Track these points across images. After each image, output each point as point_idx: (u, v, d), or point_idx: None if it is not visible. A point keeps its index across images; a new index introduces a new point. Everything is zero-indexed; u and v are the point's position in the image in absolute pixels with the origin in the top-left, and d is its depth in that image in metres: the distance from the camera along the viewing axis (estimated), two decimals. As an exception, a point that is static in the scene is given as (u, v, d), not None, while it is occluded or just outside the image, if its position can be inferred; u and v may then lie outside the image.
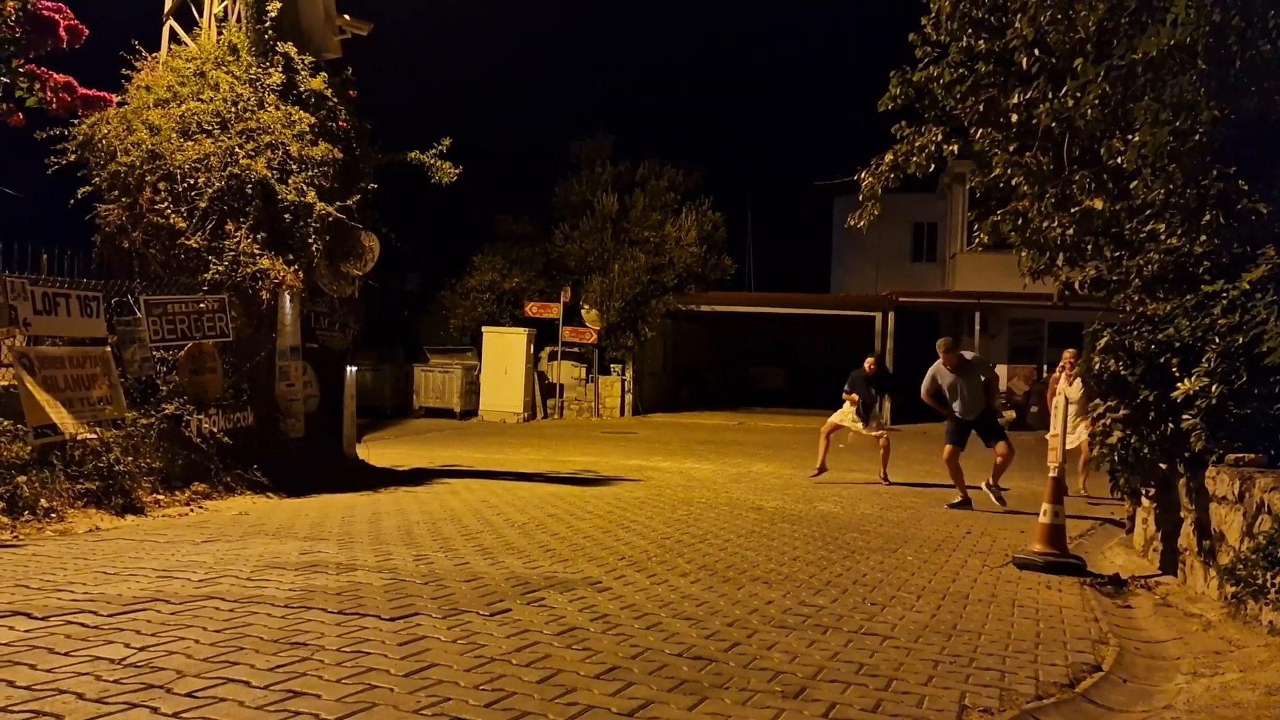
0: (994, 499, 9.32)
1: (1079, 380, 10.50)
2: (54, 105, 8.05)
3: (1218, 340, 5.40)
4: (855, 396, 11.56)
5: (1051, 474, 6.58)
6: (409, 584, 4.90)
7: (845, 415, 11.69)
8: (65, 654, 3.45)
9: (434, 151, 11.24)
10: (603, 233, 26.18)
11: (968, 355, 9.74)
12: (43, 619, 3.91)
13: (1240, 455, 5.13)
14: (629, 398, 25.17)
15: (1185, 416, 5.45)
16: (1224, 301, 5.50)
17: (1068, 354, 10.82)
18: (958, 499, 9.45)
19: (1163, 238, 6.30)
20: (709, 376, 31.02)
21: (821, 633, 4.33)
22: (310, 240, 9.56)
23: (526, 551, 6.05)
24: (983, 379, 9.76)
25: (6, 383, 7.36)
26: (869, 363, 11.87)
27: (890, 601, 5.06)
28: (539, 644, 3.89)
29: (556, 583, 5.10)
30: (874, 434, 11.64)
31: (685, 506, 8.77)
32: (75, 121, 9.14)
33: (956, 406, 9.54)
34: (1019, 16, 7.00)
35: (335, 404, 11.01)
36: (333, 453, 10.74)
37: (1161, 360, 5.74)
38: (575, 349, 24.93)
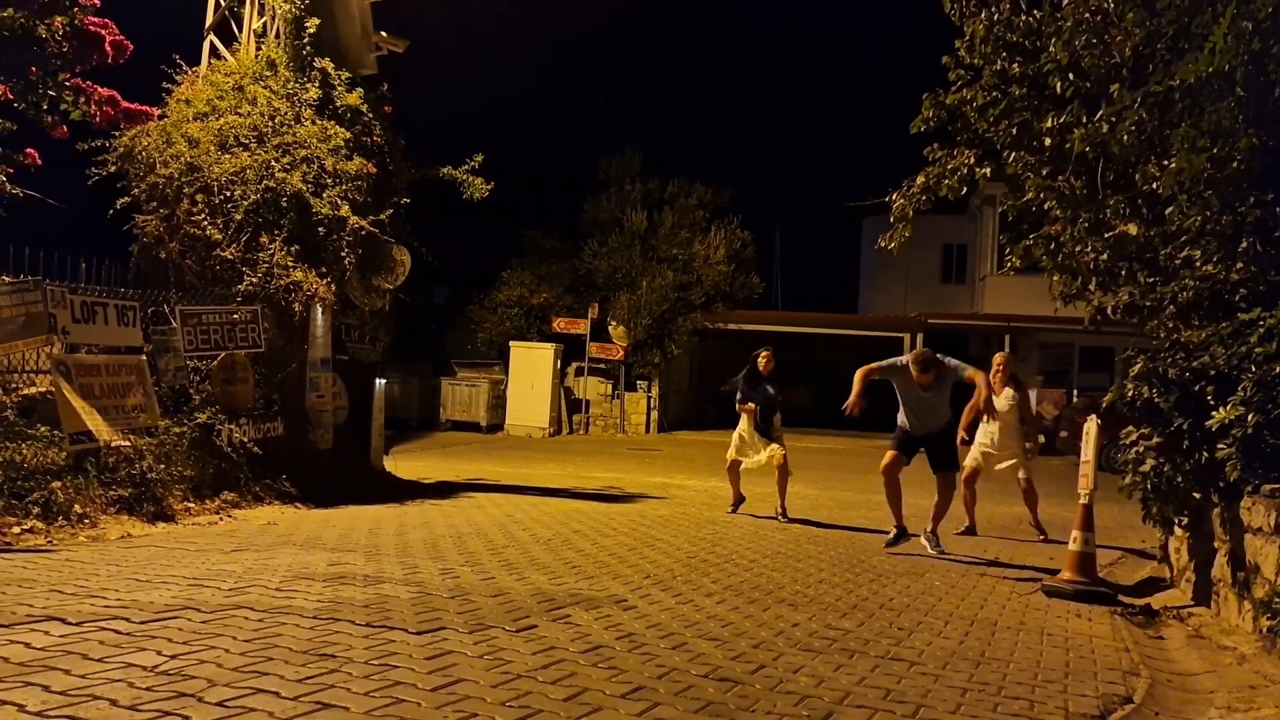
0: (929, 547, 7.69)
1: (1009, 390, 9.01)
2: (97, 118, 8.21)
3: (1254, 369, 5.33)
4: (752, 406, 9.65)
5: (1082, 500, 6.52)
6: (435, 598, 4.93)
7: (742, 435, 9.78)
8: (99, 660, 3.49)
9: (466, 167, 11.35)
10: (631, 250, 26.27)
11: (950, 363, 7.83)
12: (77, 624, 3.96)
13: (1277, 486, 5.06)
14: (654, 414, 25.18)
15: (1220, 445, 5.38)
16: (1261, 330, 5.44)
17: (998, 359, 9.33)
18: (892, 533, 7.84)
19: (1198, 264, 6.24)
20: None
21: (848, 657, 4.30)
22: (343, 253, 9.66)
23: (552, 568, 6.05)
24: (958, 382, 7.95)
25: (44, 389, 7.48)
26: (764, 357, 9.78)
27: (917, 627, 5.02)
28: (565, 661, 3.89)
29: (582, 600, 5.11)
30: (767, 456, 9.58)
31: (710, 525, 8.75)
32: (116, 134, 9.32)
33: (906, 418, 7.91)
34: (1054, 41, 6.97)
35: (364, 416, 11.10)
36: (360, 464, 10.82)
37: (1196, 388, 5.67)
38: (602, 365, 24.99)
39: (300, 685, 3.35)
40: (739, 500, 9.93)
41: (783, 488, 9.59)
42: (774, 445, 9.64)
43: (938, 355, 7.80)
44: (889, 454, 7.91)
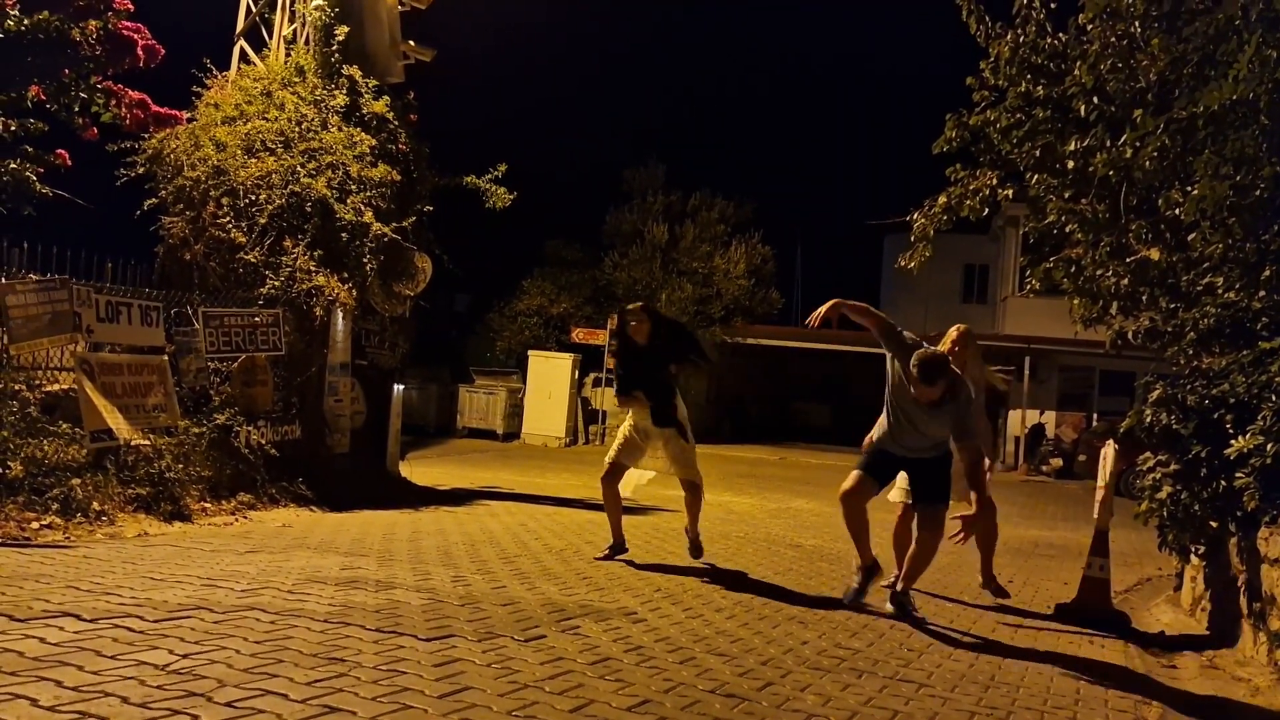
0: (893, 607, 5.69)
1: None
2: (127, 121, 8.35)
3: (1274, 398, 5.29)
4: (641, 395, 6.66)
5: (1097, 526, 6.48)
6: (446, 605, 4.94)
7: (635, 429, 6.79)
8: (112, 657, 3.53)
9: (489, 176, 11.43)
10: (651, 262, 26.35)
11: (993, 378, 6.11)
12: (92, 621, 4.00)
13: (1295, 517, 5.02)
14: (671, 427, 25.15)
15: (1238, 474, 5.34)
16: (1282, 359, 5.40)
17: (954, 331, 6.74)
18: (854, 579, 6.01)
19: (1220, 291, 6.21)
20: (751, 410, 30.91)
21: (856, 676, 4.29)
22: (365, 259, 9.75)
23: (563, 578, 6.06)
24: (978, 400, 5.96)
25: (67, 387, 7.58)
26: (634, 320, 6.66)
27: (927, 648, 5.00)
28: (572, 672, 3.90)
29: (592, 611, 5.11)
30: (671, 468, 6.90)
31: (723, 540, 8.73)
32: (146, 136, 9.45)
33: (887, 427, 5.79)
34: (1079, 64, 6.97)
35: (381, 421, 11.16)
36: (376, 469, 10.88)
37: (1215, 416, 5.63)
38: (619, 376, 25.02)
39: (309, 688, 3.37)
40: (619, 544, 6.95)
41: (694, 510, 6.96)
42: (680, 470, 6.87)
43: (954, 368, 5.61)
44: (853, 475, 5.83)
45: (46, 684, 3.17)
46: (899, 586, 5.81)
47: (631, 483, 7.06)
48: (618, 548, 6.95)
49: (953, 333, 6.73)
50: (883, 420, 5.86)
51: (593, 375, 24.88)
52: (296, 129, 9.75)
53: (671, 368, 6.85)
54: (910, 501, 6.24)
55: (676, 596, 5.77)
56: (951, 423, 5.57)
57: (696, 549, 7.09)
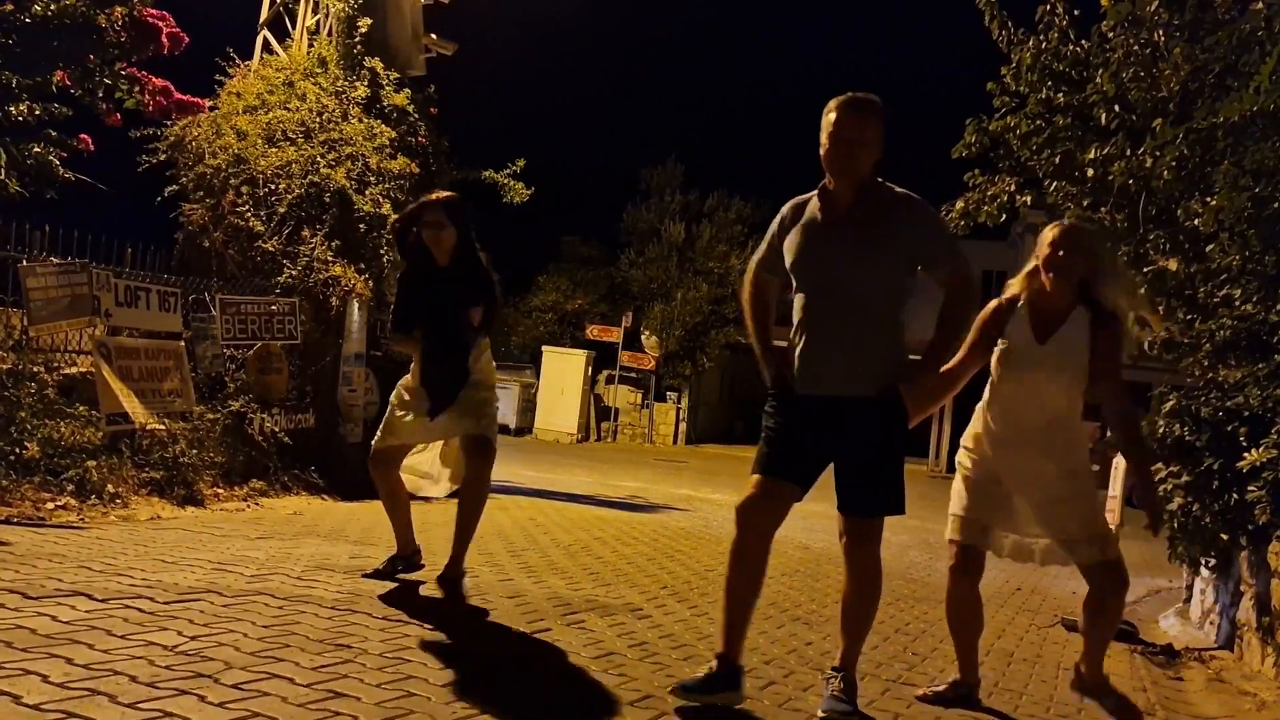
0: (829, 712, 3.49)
1: (1080, 310, 4.11)
2: (150, 108, 8.40)
3: (1289, 412, 5.27)
4: (419, 337, 5.02)
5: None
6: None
7: (404, 395, 5.13)
8: (122, 637, 3.57)
9: (507, 171, 11.45)
10: (668, 261, 26.39)
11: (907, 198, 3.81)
12: (103, 601, 4.04)
13: (1306, 532, 4.99)
14: (683, 426, 25.21)
15: (1251, 488, 5.31)
16: (1297, 373, 5.38)
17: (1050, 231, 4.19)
18: (709, 666, 3.57)
19: (1237, 304, 6.17)
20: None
21: (859, 679, 4.28)
22: (382, 251, 9.79)
23: (570, 573, 6.09)
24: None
25: (84, 370, 7.64)
26: (434, 215, 4.92)
27: (931, 653, 5.00)
28: (575, 666, 3.92)
29: (597, 606, 5.13)
30: (454, 453, 5.31)
31: (731, 540, 8.73)
32: (168, 123, 9.52)
33: (800, 352, 3.66)
34: (1100, 72, 6.94)
35: (394, 412, 11.19)
36: (388, 460, 10.91)
37: (1229, 428, 5.61)
38: (633, 374, 25.07)
39: (314, 673, 3.40)
40: (408, 551, 5.22)
41: (468, 523, 4.94)
42: (465, 423, 4.90)
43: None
44: (751, 483, 3.85)
45: (57, 661, 3.22)
46: (835, 662, 3.71)
47: (422, 461, 5.40)
48: (404, 556, 5.19)
49: (1051, 231, 4.15)
50: (793, 342, 3.69)
51: (606, 372, 24.93)
52: (317, 119, 9.79)
53: (473, 312, 4.91)
54: (963, 540, 4.02)
55: (682, 594, 5.79)
56: (909, 246, 3.66)
57: (455, 585, 4.86)
